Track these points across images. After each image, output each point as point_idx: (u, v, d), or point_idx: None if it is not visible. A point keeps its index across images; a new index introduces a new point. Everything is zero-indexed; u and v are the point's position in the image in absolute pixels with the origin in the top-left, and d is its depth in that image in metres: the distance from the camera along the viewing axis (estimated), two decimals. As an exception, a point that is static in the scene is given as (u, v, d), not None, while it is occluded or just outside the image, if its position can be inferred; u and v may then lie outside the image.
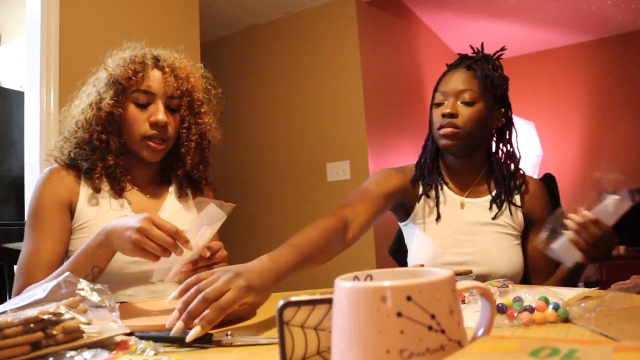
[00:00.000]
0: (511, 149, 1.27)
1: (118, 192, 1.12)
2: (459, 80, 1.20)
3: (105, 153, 1.09)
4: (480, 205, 1.25)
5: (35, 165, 1.89)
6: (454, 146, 1.19)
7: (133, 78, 1.07)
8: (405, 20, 3.61)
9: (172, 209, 1.18)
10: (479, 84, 1.19)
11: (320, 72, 3.20)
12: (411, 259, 1.31)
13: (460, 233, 1.23)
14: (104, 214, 1.09)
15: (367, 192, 1.18)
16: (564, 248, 1.01)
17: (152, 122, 1.08)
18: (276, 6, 3.26)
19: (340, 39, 3.12)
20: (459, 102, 1.18)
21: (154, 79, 1.09)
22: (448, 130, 1.17)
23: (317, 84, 3.21)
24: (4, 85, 2.75)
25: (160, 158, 1.14)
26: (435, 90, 1.24)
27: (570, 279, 1.14)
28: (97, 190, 1.10)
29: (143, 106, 1.09)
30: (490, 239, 1.21)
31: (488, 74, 1.20)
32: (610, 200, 0.98)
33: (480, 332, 0.44)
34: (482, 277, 1.17)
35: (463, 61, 1.25)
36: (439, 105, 1.22)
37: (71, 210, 1.08)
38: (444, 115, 1.18)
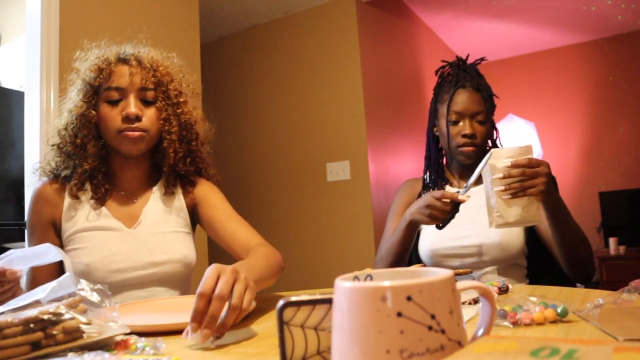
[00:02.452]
0: (495, 145, 1.42)
1: (98, 199, 1.11)
2: (472, 102, 1.32)
3: (82, 158, 1.08)
4: (479, 191, 1.33)
5: (35, 166, 1.89)
6: (472, 159, 1.33)
7: (100, 76, 1.07)
8: (405, 20, 3.61)
9: (154, 211, 1.15)
10: (486, 105, 1.33)
11: (320, 72, 3.20)
12: (419, 243, 1.40)
13: (461, 213, 1.31)
14: (80, 225, 1.08)
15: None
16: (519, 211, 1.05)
17: (124, 115, 1.05)
18: (276, 6, 3.26)
19: (340, 39, 3.12)
20: (474, 122, 1.33)
21: (121, 74, 1.07)
22: (470, 148, 1.32)
23: (317, 84, 3.21)
24: (4, 85, 2.75)
25: (141, 150, 1.10)
26: (448, 107, 1.34)
27: (563, 233, 1.15)
28: (75, 197, 1.09)
29: (115, 103, 1.07)
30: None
31: (491, 94, 1.36)
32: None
33: (480, 332, 0.44)
34: (477, 249, 1.28)
35: (463, 76, 1.35)
36: (455, 123, 1.34)
37: (55, 226, 1.10)
38: (464, 136, 1.32)
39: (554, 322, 0.67)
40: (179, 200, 1.19)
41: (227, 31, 3.61)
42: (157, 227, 1.12)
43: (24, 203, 1.96)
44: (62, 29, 1.93)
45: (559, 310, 0.68)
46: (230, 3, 3.21)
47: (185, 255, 1.13)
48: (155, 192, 1.17)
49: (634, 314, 0.67)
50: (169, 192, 1.17)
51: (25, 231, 1.14)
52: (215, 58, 3.59)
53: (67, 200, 1.10)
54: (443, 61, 1.44)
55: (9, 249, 1.30)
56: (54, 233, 1.10)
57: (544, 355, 0.30)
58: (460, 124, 1.33)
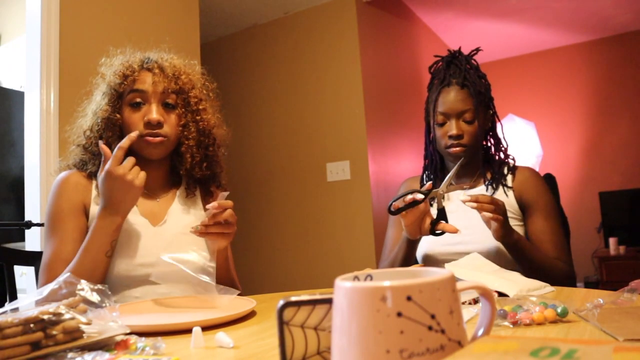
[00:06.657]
0: (498, 139, 1.38)
1: None
2: (457, 101, 1.28)
3: None
4: (478, 193, 1.32)
5: (35, 165, 1.89)
6: (463, 159, 1.30)
7: (124, 82, 1.12)
8: (405, 20, 3.61)
9: (178, 211, 1.19)
10: (474, 101, 1.28)
11: (320, 72, 3.20)
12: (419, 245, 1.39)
13: (458, 219, 1.30)
14: None
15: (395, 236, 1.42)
16: None
17: (146, 121, 1.10)
18: (276, 6, 3.26)
19: (340, 39, 3.12)
20: (461, 121, 1.28)
21: (144, 79, 1.12)
22: (458, 149, 1.28)
23: (317, 84, 3.21)
24: (4, 85, 2.75)
25: (161, 154, 1.14)
26: (434, 109, 1.32)
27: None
28: None
29: (138, 107, 1.12)
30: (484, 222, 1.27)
31: (480, 89, 1.30)
32: None
33: (480, 332, 0.44)
34: None
35: (451, 73, 1.31)
36: (441, 125, 1.31)
37: (86, 212, 1.12)
38: (450, 137, 1.28)
39: (554, 322, 0.67)
40: (200, 207, 1.24)
41: (226, 31, 3.61)
42: (181, 228, 1.16)
43: (24, 203, 1.96)
44: (62, 29, 1.93)
45: (559, 310, 0.68)
46: (230, 3, 3.21)
47: (205, 256, 1.16)
48: (179, 195, 1.22)
49: (634, 314, 0.67)
50: (190, 196, 1.22)
51: (45, 222, 1.15)
52: (215, 58, 3.59)
53: (94, 191, 1.14)
54: (436, 56, 1.39)
55: (8, 249, 1.31)
56: (85, 219, 1.11)
57: (544, 355, 0.30)
58: (447, 124, 1.29)
